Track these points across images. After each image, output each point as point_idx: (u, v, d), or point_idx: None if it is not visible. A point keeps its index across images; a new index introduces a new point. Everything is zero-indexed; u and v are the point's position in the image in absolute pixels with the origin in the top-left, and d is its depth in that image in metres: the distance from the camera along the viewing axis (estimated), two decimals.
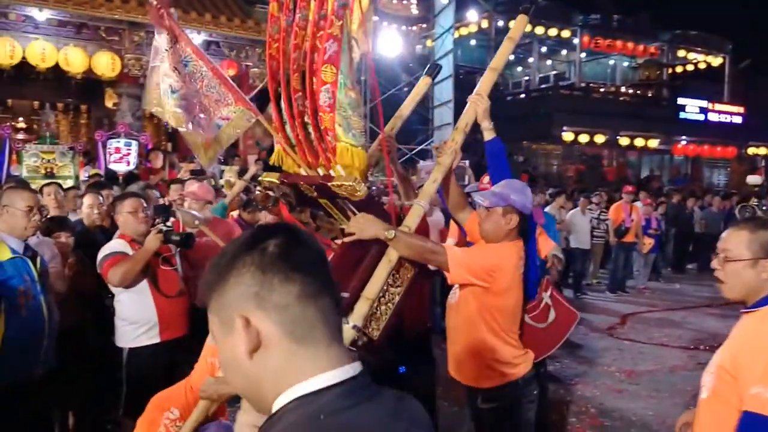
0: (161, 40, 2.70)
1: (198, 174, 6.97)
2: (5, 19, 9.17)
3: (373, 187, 4.02)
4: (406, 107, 2.77)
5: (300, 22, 2.03)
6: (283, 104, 2.13)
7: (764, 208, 10.62)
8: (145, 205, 3.23)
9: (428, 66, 3.08)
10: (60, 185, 4.26)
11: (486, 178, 3.37)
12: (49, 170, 7.35)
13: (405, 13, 15.16)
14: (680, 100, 22.03)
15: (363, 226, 2.07)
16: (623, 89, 23.90)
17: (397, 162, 2.69)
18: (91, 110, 12.70)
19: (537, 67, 23.84)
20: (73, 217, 4.15)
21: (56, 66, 9.38)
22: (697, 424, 1.74)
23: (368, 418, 0.79)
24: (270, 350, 0.80)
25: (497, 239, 2.39)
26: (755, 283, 1.66)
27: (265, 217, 4.79)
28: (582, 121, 19.70)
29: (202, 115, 2.54)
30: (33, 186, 4.11)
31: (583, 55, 22.84)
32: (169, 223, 3.18)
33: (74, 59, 9.36)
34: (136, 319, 3.07)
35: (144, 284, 3.07)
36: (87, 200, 4.05)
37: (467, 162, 11.73)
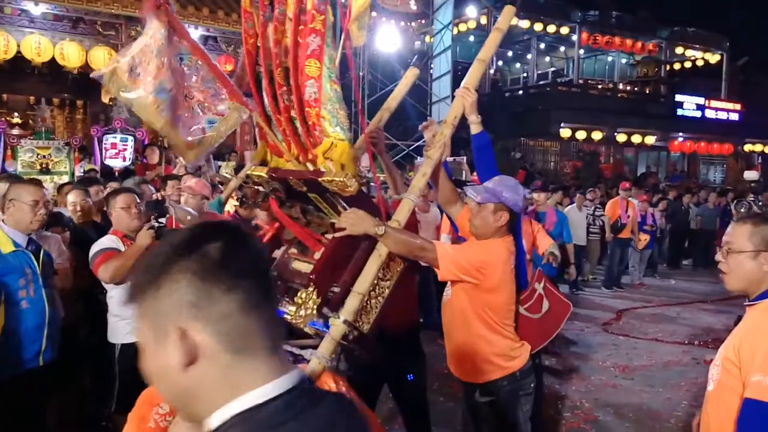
0: (158, 33, 2.67)
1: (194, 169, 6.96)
2: (0, 13, 9.12)
3: (372, 183, 4.01)
4: (394, 99, 2.75)
5: (279, 16, 2.03)
6: (266, 99, 2.13)
7: (760, 203, 10.66)
8: (138, 201, 3.23)
9: (415, 56, 3.06)
10: (86, 190, 4.17)
11: (475, 175, 3.37)
12: (44, 166, 7.34)
13: (404, 9, 15.10)
14: (678, 97, 22.03)
15: (353, 221, 2.07)
16: (621, 86, 23.88)
17: (386, 154, 2.67)
18: (87, 105, 12.66)
19: (535, 63, 23.82)
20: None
21: (52, 61, 9.34)
22: (705, 416, 1.78)
23: (307, 429, 0.75)
24: (207, 363, 0.75)
25: (487, 235, 2.40)
26: (756, 274, 1.72)
27: (260, 214, 4.79)
28: (580, 118, 19.70)
29: (186, 114, 2.52)
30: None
31: (582, 51, 22.81)
32: (162, 220, 3.18)
33: (70, 54, 9.33)
34: (128, 315, 3.07)
35: None
36: (70, 197, 4.03)
37: (464, 158, 11.75)
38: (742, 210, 8.09)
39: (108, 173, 7.22)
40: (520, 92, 22.88)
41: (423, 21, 16.54)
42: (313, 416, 0.76)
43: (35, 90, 11.60)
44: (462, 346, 2.48)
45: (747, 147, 23.75)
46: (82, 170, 7.61)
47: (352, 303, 2.03)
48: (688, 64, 24.89)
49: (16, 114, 12.11)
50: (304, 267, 2.32)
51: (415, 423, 3.07)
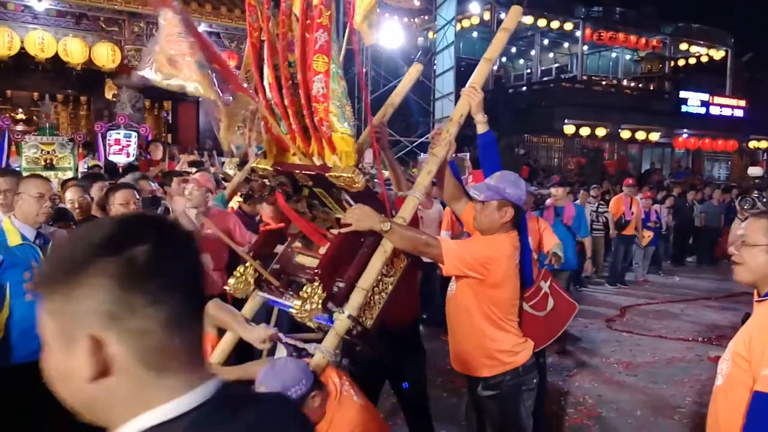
0: (174, 19, 2.64)
1: (197, 165, 6.97)
2: (3, 9, 9.14)
3: (376, 180, 4.02)
4: (398, 95, 2.76)
5: (285, 10, 2.03)
6: (271, 94, 2.13)
7: (764, 200, 10.61)
8: (137, 197, 3.24)
9: (419, 52, 3.08)
10: (84, 187, 4.14)
11: (470, 177, 3.37)
12: (48, 162, 7.33)
13: (407, 5, 15.07)
14: (682, 94, 21.94)
15: (359, 217, 2.09)
16: (625, 82, 23.81)
17: (389, 151, 2.68)
18: (91, 101, 12.69)
19: (539, 59, 23.75)
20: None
21: (56, 57, 9.35)
22: (713, 411, 1.80)
23: None
24: (119, 378, 0.67)
25: (492, 231, 2.40)
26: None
27: (265, 209, 4.79)
28: (584, 114, 19.64)
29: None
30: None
31: (586, 47, 22.72)
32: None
33: (74, 50, 9.34)
34: None
35: None
36: (68, 194, 4.04)
37: (467, 154, 11.73)
38: (746, 206, 8.06)
39: (112, 169, 7.23)
40: (524, 88, 22.81)
41: (426, 17, 16.51)
42: (228, 430, 0.70)
43: (39, 86, 11.64)
44: (466, 341, 2.49)
45: (752, 144, 23.65)
46: (86, 166, 7.62)
47: (356, 298, 2.05)
48: (692, 61, 24.78)
49: (20, 110, 12.16)
50: (308, 261, 2.33)
51: (417, 419, 3.08)
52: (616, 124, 20.32)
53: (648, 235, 9.03)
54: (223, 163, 8.66)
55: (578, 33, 21.76)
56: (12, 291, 2.68)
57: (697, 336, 6.22)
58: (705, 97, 22.10)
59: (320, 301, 2.00)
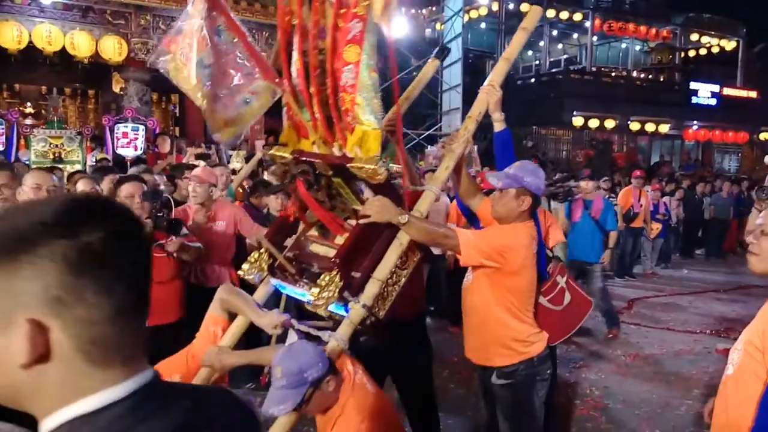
0: (194, 9, 2.63)
1: (204, 158, 6.99)
2: (11, 3, 9.17)
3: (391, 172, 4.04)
4: (414, 89, 2.78)
5: None
6: (297, 80, 2.12)
7: None
8: (145, 189, 3.26)
9: (437, 48, 3.09)
10: (95, 180, 4.15)
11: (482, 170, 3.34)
12: (57, 155, 7.40)
13: None
14: (693, 85, 21.69)
15: (379, 209, 2.11)
16: (635, 74, 23.55)
17: (401, 144, 2.69)
18: (98, 95, 12.75)
19: (547, 51, 23.54)
20: None
21: (63, 51, 9.38)
22: (721, 400, 1.78)
23: None
24: (54, 366, 0.64)
25: (509, 220, 2.42)
26: None
27: (272, 201, 4.80)
28: (592, 106, 19.47)
29: (225, 92, 2.51)
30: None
31: (595, 38, 22.48)
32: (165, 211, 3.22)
33: (80, 43, 9.36)
34: None
35: None
36: (80, 186, 4.05)
37: (476, 147, 11.68)
38: (765, 196, 8.01)
39: (120, 162, 7.27)
40: (533, 80, 22.63)
41: (434, 8, 16.40)
42: (160, 419, 0.68)
43: (47, 80, 11.69)
44: (481, 330, 2.50)
45: (763, 135, 23.36)
46: (94, 159, 7.67)
47: (372, 289, 2.09)
48: (703, 51, 24.44)
49: (28, 104, 12.23)
50: (322, 250, 2.35)
51: (423, 410, 3.07)
52: (625, 116, 20.14)
53: (656, 227, 8.97)
54: (231, 156, 8.69)
55: (587, 23, 21.52)
56: None
57: (705, 328, 6.19)
58: (716, 88, 21.83)
59: (337, 290, 2.02)
